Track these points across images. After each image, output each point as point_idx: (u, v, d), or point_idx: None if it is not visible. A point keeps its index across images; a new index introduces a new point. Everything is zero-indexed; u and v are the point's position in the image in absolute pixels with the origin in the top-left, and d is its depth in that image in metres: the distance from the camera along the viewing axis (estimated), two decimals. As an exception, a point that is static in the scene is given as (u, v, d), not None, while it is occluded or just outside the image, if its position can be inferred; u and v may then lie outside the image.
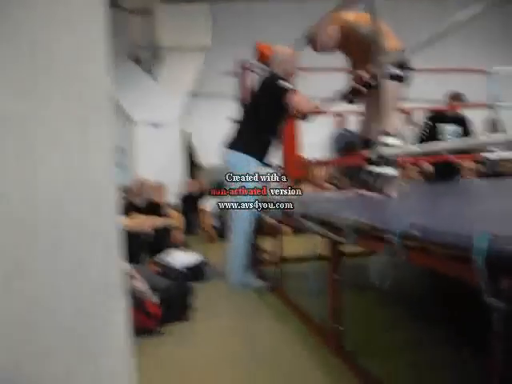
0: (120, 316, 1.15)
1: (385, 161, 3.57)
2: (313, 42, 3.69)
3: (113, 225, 1.16)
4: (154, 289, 3.58)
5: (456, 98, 5.65)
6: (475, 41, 10.30)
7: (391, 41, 3.45)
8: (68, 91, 1.06)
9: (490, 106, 5.15)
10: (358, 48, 3.63)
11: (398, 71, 3.70)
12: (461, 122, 5.71)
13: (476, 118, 8.88)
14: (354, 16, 3.61)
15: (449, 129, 5.54)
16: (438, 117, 5.68)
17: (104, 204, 1.13)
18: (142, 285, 3.26)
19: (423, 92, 9.16)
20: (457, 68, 6.68)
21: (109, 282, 1.15)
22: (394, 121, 3.74)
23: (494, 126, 5.52)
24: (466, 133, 5.66)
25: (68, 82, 1.05)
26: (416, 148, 2.90)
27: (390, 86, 3.68)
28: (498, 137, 2.07)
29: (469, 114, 8.49)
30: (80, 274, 1.12)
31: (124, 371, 1.19)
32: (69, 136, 1.08)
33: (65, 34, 1.05)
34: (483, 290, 1.29)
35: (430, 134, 5.38)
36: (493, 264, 1.27)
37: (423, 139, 5.35)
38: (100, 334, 1.12)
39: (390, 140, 3.60)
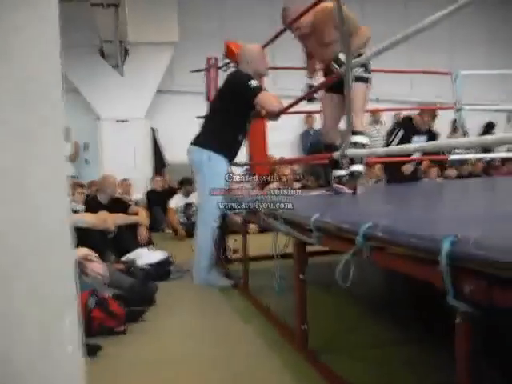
0: (71, 327, 1.11)
1: (351, 159, 3.63)
2: (287, 12, 3.64)
3: (66, 233, 1.12)
4: (117, 287, 3.55)
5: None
6: (442, 42, 10.47)
7: (362, 30, 3.51)
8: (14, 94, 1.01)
9: (456, 109, 5.23)
10: (322, 40, 3.64)
11: (364, 73, 3.75)
12: (432, 136, 5.79)
13: (444, 119, 9.10)
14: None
15: (418, 141, 5.61)
16: (411, 128, 5.74)
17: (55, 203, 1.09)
18: (99, 267, 3.20)
19: (391, 93, 9.33)
20: (424, 70, 6.78)
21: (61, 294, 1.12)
22: (363, 120, 3.80)
23: (458, 128, 5.61)
24: None
25: (17, 85, 1.01)
26: (381, 149, 2.93)
27: (359, 87, 3.73)
28: (462, 140, 2.10)
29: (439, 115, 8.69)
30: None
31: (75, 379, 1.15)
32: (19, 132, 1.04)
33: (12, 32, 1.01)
34: (447, 292, 1.30)
35: (401, 142, 5.43)
36: (456, 266, 1.28)
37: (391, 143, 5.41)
38: (50, 346, 1.08)
39: (358, 138, 3.64)
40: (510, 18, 10.97)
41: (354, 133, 3.74)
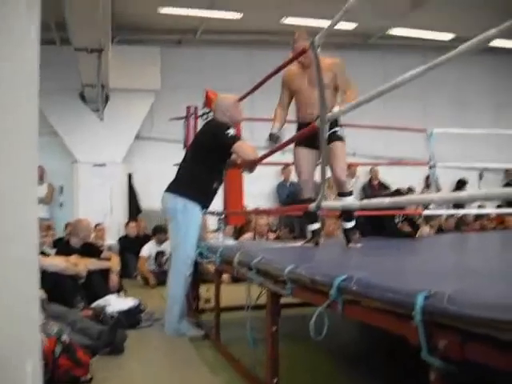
0: (33, 374, 1.07)
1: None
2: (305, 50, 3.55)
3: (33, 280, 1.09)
4: (85, 334, 3.46)
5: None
6: (416, 101, 10.76)
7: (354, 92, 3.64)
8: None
9: (430, 166, 5.34)
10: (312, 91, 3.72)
11: (340, 131, 3.85)
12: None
13: (417, 175, 9.27)
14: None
15: None
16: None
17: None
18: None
19: (367, 148, 9.50)
20: (399, 127, 6.93)
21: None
22: (346, 180, 3.89)
23: (431, 184, 5.72)
24: None
25: None
26: (357, 203, 2.96)
27: (342, 146, 3.83)
28: (436, 196, 2.14)
29: (410, 170, 8.85)
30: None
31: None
32: None
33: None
34: (421, 348, 1.30)
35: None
36: (430, 321, 1.28)
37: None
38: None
39: (349, 200, 3.75)
40: (479, 80, 11.35)
41: (343, 194, 3.82)
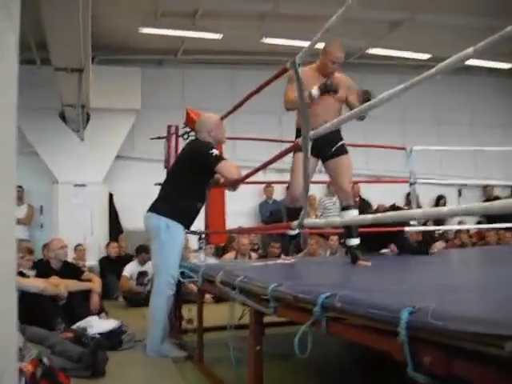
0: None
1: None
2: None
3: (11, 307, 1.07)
4: (66, 357, 3.41)
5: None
6: (392, 121, 10.90)
7: None
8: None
9: (410, 183, 5.40)
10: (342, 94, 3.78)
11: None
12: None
13: (397, 192, 9.34)
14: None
15: None
16: None
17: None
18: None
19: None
20: (379, 145, 7.01)
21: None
22: (351, 193, 3.92)
23: (412, 201, 5.76)
24: None
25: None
26: (339, 220, 2.97)
27: (348, 159, 3.89)
28: (417, 211, 2.17)
29: (390, 188, 8.93)
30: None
31: None
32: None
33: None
34: (407, 363, 1.30)
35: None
36: (415, 337, 1.28)
37: None
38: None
39: (355, 212, 3.75)
40: (456, 102, 11.55)
41: (349, 207, 3.83)
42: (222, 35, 8.72)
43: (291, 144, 3.64)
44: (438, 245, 7.67)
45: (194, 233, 4.51)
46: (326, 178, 4.37)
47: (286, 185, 9.62)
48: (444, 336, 1.19)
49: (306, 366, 3.32)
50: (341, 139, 3.96)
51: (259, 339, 2.57)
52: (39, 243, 8.22)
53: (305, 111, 2.77)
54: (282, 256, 4.08)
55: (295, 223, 2.98)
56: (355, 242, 3.85)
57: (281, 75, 3.40)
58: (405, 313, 1.31)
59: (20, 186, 8.87)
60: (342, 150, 3.96)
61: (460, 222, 9.65)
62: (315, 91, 3.62)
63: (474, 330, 1.11)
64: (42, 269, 5.30)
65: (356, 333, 1.64)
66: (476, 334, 1.10)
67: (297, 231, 3.98)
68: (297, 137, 3.89)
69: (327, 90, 3.66)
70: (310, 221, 2.86)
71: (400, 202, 10.18)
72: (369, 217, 2.06)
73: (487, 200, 10.91)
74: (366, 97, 3.65)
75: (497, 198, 10.93)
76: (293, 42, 8.64)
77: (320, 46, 3.65)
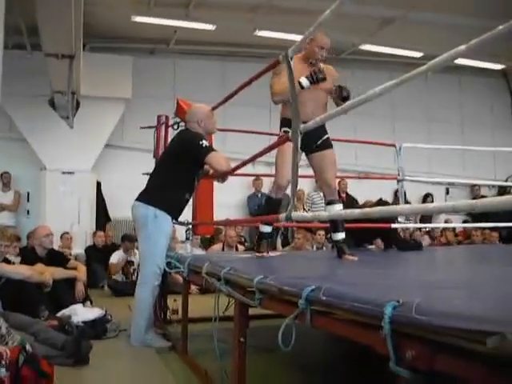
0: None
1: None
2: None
3: None
4: (49, 344, 3.40)
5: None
6: (382, 117, 10.93)
7: None
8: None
9: (398, 180, 5.42)
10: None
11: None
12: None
13: (385, 188, 9.38)
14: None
15: None
16: None
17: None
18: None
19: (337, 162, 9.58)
20: (369, 141, 7.02)
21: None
22: (336, 187, 3.91)
23: (400, 198, 5.79)
24: None
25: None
26: (325, 214, 2.97)
27: (331, 153, 3.88)
28: (406, 207, 2.17)
29: (379, 184, 8.97)
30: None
31: None
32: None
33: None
34: (390, 357, 1.30)
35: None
36: (399, 332, 1.29)
37: None
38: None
39: (338, 207, 3.75)
40: (445, 100, 11.60)
41: (333, 202, 3.83)
42: (215, 26, 8.68)
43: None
44: (425, 241, 7.74)
45: (181, 223, 4.49)
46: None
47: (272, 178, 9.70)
48: (427, 331, 1.20)
49: (290, 359, 3.33)
50: (325, 132, 3.92)
51: (244, 331, 2.57)
52: (25, 230, 8.17)
53: (296, 104, 2.77)
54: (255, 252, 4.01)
55: (283, 216, 2.99)
56: (341, 236, 3.86)
57: (272, 68, 3.39)
58: (389, 307, 1.32)
59: (7, 172, 8.82)
60: (327, 144, 3.93)
61: (446, 221, 9.72)
62: (305, 80, 3.58)
63: (457, 325, 1.12)
64: (28, 256, 5.27)
65: (340, 326, 1.65)
66: (459, 329, 1.11)
67: (270, 229, 4.01)
68: (281, 126, 3.88)
69: (317, 78, 3.60)
70: (298, 214, 2.86)
71: (388, 198, 10.25)
72: (356, 211, 2.07)
73: (474, 198, 10.98)
74: (344, 93, 3.66)
75: (483, 197, 11.02)
76: (285, 35, 8.63)
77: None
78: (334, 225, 3.88)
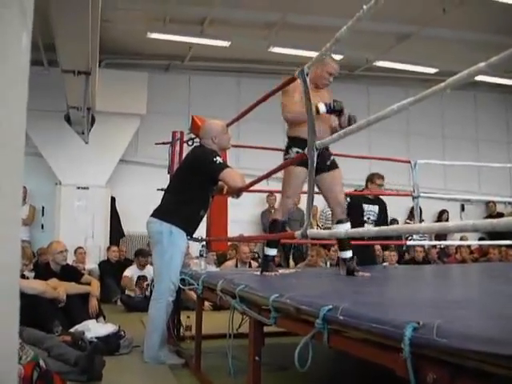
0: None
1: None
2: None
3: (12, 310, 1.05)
4: (62, 360, 3.38)
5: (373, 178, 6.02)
6: (397, 133, 10.89)
7: None
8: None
9: (413, 196, 5.39)
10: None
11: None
12: (382, 204, 6.06)
13: (400, 205, 9.33)
14: None
15: (370, 208, 5.85)
16: (360, 197, 5.94)
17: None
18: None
19: (351, 177, 9.54)
20: (383, 157, 6.99)
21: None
22: (344, 205, 3.89)
23: (415, 215, 5.77)
24: (381, 212, 6.07)
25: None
26: (343, 232, 2.95)
27: (340, 172, 3.88)
28: (422, 225, 2.14)
29: (394, 201, 8.93)
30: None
31: None
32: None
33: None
34: (410, 380, 1.27)
35: (355, 211, 5.54)
36: (419, 354, 1.26)
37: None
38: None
39: (347, 226, 3.74)
40: (460, 116, 11.55)
41: (342, 221, 3.82)
42: (229, 43, 8.74)
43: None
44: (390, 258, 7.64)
45: (195, 240, 4.49)
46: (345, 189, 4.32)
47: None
48: (449, 354, 1.17)
49: (305, 378, 3.29)
50: (331, 153, 3.97)
51: (259, 349, 2.55)
52: (39, 244, 8.22)
53: (312, 123, 2.76)
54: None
55: (298, 233, 2.97)
56: (349, 254, 3.85)
57: (288, 84, 3.39)
58: (409, 329, 1.29)
59: (23, 187, 8.88)
60: (336, 164, 3.96)
61: (462, 238, 9.62)
62: (322, 107, 3.58)
63: (479, 348, 1.09)
64: (42, 271, 5.29)
65: (358, 347, 1.62)
66: (482, 353, 1.09)
67: (275, 252, 3.98)
68: (290, 146, 3.87)
69: (334, 108, 3.63)
70: (314, 231, 2.84)
71: (402, 215, 10.19)
72: (373, 229, 2.04)
73: (490, 216, 10.90)
74: (337, 107, 3.66)
75: (500, 214, 10.93)
76: (300, 51, 8.65)
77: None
78: (342, 243, 3.88)
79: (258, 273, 3.95)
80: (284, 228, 3.93)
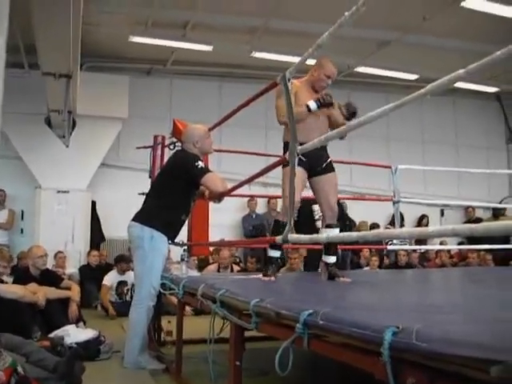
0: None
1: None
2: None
3: None
4: (41, 366, 3.35)
5: None
6: (378, 138, 10.96)
7: None
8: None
9: (394, 201, 5.42)
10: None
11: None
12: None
13: (381, 210, 9.39)
14: None
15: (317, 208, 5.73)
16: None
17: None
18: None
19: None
20: (364, 162, 7.03)
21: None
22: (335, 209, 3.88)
23: (396, 220, 5.79)
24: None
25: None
26: (324, 237, 2.96)
27: (335, 176, 3.88)
28: (403, 230, 2.16)
29: (374, 206, 8.99)
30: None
31: None
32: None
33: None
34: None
35: (303, 212, 5.52)
36: (398, 358, 1.27)
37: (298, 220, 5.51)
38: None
39: (336, 231, 3.73)
40: (440, 121, 11.68)
41: (332, 225, 3.81)
42: (212, 47, 8.73)
43: (277, 158, 3.65)
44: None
45: (177, 244, 4.47)
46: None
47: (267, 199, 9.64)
48: (428, 358, 1.19)
49: (285, 382, 3.29)
50: (329, 156, 3.94)
51: (239, 354, 2.54)
52: (19, 248, 8.13)
53: (293, 126, 2.77)
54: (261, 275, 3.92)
55: (279, 237, 2.98)
56: (332, 259, 3.83)
57: (270, 89, 3.41)
58: (388, 333, 1.30)
59: (2, 190, 8.78)
60: (332, 167, 3.94)
61: (441, 243, 9.72)
62: (313, 104, 3.58)
63: (459, 353, 1.10)
64: (21, 275, 5.23)
65: (338, 351, 1.63)
66: (461, 357, 1.10)
67: (278, 254, 3.90)
68: (285, 151, 3.87)
69: (325, 102, 3.62)
70: (295, 236, 2.85)
71: (383, 220, 10.26)
72: (354, 234, 2.06)
73: (469, 221, 11.02)
74: (352, 111, 3.66)
75: (478, 219, 11.05)
76: (282, 57, 8.69)
77: (310, 62, 3.64)
78: (326, 248, 3.87)
79: (260, 276, 3.89)
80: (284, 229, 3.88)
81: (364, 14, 2.10)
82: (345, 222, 5.85)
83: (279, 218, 3.89)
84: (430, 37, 8.46)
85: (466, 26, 7.95)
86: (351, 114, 3.71)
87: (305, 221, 5.22)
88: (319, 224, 5.35)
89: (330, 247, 3.84)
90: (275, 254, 3.89)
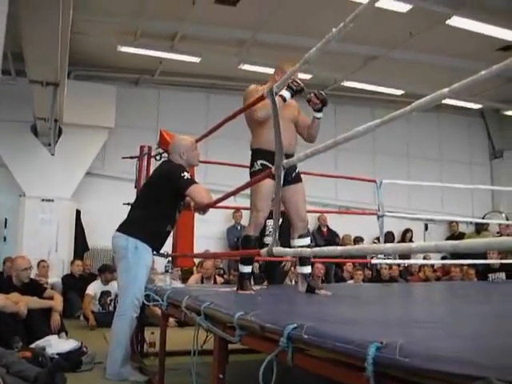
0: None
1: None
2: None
3: None
4: (21, 377, 3.31)
5: None
6: (363, 152, 11.04)
7: None
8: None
9: (378, 215, 5.45)
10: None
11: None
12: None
13: (366, 223, 9.43)
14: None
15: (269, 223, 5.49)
16: None
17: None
18: None
19: (317, 196, 9.62)
20: (349, 176, 7.07)
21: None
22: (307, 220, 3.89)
23: (380, 234, 5.81)
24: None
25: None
26: (309, 250, 2.97)
27: (303, 186, 3.89)
28: (387, 245, 2.17)
29: (359, 219, 9.02)
30: None
31: None
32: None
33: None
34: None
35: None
36: (382, 373, 1.28)
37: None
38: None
39: (307, 240, 3.75)
40: (424, 136, 11.80)
41: (306, 235, 3.82)
42: (200, 59, 8.77)
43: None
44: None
45: (161, 255, 4.45)
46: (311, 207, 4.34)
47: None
48: (411, 374, 1.20)
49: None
50: (296, 166, 3.86)
51: (223, 367, 2.54)
52: (1, 257, 8.05)
53: (279, 140, 2.78)
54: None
55: (264, 251, 2.98)
56: (308, 270, 3.82)
57: (257, 103, 3.41)
58: (372, 348, 1.31)
59: (-15, 198, 8.71)
60: (300, 177, 3.94)
61: (425, 257, 9.78)
62: (286, 92, 3.48)
63: (442, 369, 1.11)
64: (3, 284, 5.17)
65: (322, 366, 1.63)
66: (444, 373, 1.11)
67: (250, 269, 3.89)
68: (254, 159, 3.84)
69: (298, 89, 3.50)
70: (280, 249, 2.85)
71: (367, 233, 10.30)
72: (338, 248, 2.07)
73: (452, 235, 11.12)
74: (321, 98, 3.65)
75: (461, 233, 11.15)
76: (269, 69, 8.71)
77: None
78: (301, 258, 3.83)
79: (234, 290, 3.89)
80: (257, 244, 3.88)
81: (351, 29, 2.12)
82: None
83: (249, 233, 3.82)
84: (416, 53, 8.58)
85: (452, 43, 8.08)
86: (322, 101, 3.68)
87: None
88: (268, 240, 5.21)
89: (306, 258, 3.83)
90: (247, 269, 3.87)
